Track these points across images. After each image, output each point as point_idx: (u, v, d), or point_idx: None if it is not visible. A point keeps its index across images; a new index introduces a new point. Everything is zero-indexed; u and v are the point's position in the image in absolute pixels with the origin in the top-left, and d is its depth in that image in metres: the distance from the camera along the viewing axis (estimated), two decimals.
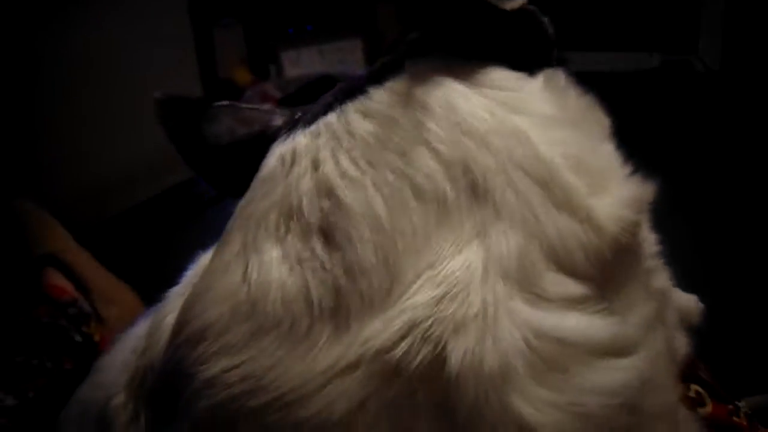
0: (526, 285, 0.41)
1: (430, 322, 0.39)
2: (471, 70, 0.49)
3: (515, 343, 0.39)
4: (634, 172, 0.49)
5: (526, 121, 0.47)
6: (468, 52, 0.51)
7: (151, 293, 0.58)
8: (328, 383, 0.39)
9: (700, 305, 0.81)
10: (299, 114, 0.54)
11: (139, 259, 1.51)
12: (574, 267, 0.43)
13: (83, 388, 0.60)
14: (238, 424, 0.41)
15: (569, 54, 0.56)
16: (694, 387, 0.72)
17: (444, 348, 0.39)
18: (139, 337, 0.55)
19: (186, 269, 0.55)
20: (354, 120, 0.48)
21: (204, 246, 0.55)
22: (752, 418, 0.73)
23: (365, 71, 0.53)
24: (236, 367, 0.41)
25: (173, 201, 1.91)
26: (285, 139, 0.51)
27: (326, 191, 0.45)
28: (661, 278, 0.53)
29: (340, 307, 0.41)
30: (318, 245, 0.44)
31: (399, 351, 0.39)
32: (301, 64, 2.59)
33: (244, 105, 0.62)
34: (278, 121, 0.58)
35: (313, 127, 0.50)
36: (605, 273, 0.44)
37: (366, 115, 0.48)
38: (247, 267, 0.45)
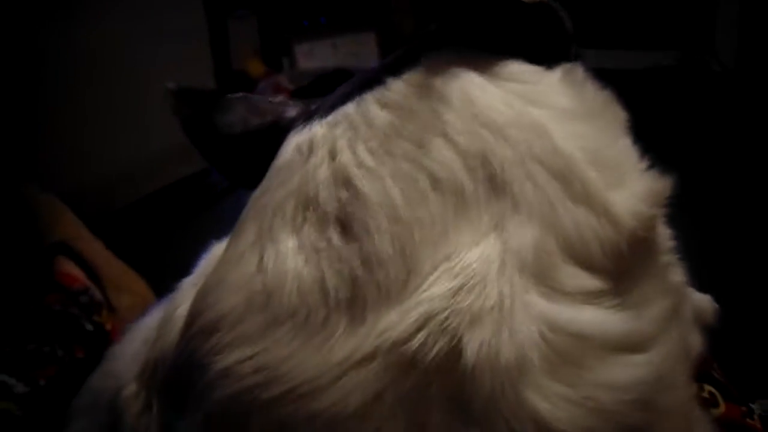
0: (543, 278, 0.41)
1: (446, 313, 0.39)
2: (489, 62, 0.49)
3: (531, 336, 0.39)
4: (651, 167, 0.49)
5: (545, 114, 0.47)
6: (486, 44, 0.50)
7: (163, 284, 0.57)
8: (343, 375, 0.39)
9: (715, 305, 0.81)
10: (314, 106, 0.54)
11: (151, 250, 1.51)
12: (590, 261, 0.43)
13: (94, 377, 0.60)
14: (252, 416, 0.40)
15: (585, 51, 0.55)
16: (708, 387, 0.72)
17: (460, 340, 0.38)
18: (150, 328, 0.54)
19: (198, 259, 0.55)
20: (372, 110, 0.48)
21: (217, 236, 0.54)
22: (766, 420, 0.72)
23: (382, 63, 0.53)
24: (250, 358, 0.41)
25: (186, 192, 1.91)
26: (302, 129, 0.51)
27: (343, 181, 0.45)
28: (677, 274, 0.52)
29: (356, 298, 0.41)
30: (335, 235, 0.43)
31: (415, 343, 0.39)
32: (315, 56, 2.59)
33: (257, 96, 0.62)
34: (291, 112, 0.58)
35: (330, 117, 0.50)
36: (621, 267, 0.44)
37: (384, 105, 0.48)
38: (262, 257, 0.45)
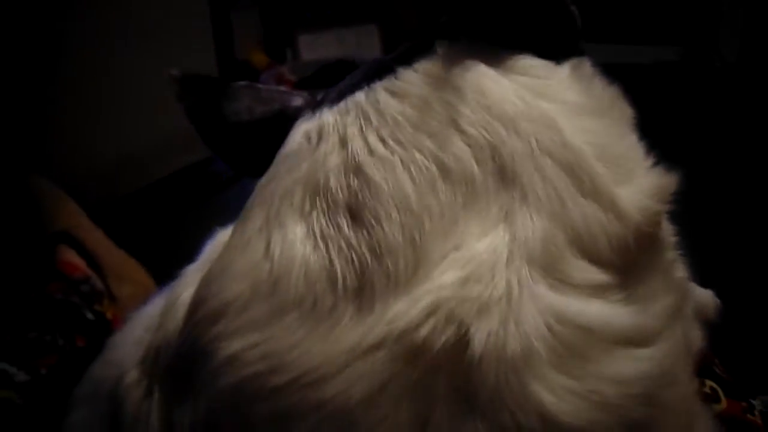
0: (551, 270, 0.41)
1: (454, 303, 0.39)
2: (501, 55, 0.49)
3: (538, 328, 0.39)
4: (657, 163, 0.49)
5: (555, 107, 0.47)
6: (496, 38, 0.51)
7: (166, 273, 0.57)
8: (350, 364, 0.39)
9: (717, 301, 0.81)
10: (321, 95, 0.54)
11: (154, 239, 1.51)
12: (598, 254, 0.43)
13: (95, 366, 0.60)
14: (257, 404, 0.40)
15: (588, 46, 0.55)
16: (709, 383, 0.72)
17: (467, 330, 0.39)
18: (153, 315, 0.54)
19: (203, 246, 0.55)
20: (383, 99, 0.48)
21: (221, 224, 0.54)
22: (767, 416, 0.72)
23: (392, 53, 0.53)
24: (256, 345, 0.41)
25: (189, 180, 1.91)
26: (311, 117, 0.51)
27: (354, 169, 0.45)
28: (680, 270, 0.53)
29: (364, 287, 0.41)
30: (344, 223, 0.43)
31: (423, 332, 0.39)
32: (318, 48, 2.59)
33: (262, 85, 0.62)
34: (298, 101, 0.58)
35: (340, 105, 0.50)
36: (628, 262, 0.44)
37: (395, 94, 0.48)
38: (269, 243, 0.45)
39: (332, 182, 0.45)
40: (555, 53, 0.51)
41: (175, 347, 0.48)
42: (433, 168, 0.44)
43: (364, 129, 0.47)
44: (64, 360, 0.88)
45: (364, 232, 0.42)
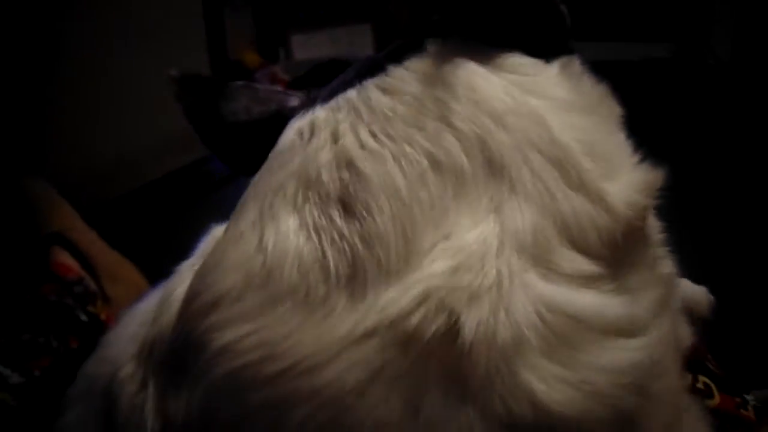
0: (541, 260, 0.42)
1: (444, 291, 0.40)
2: (490, 53, 0.50)
3: (528, 316, 0.40)
4: (644, 159, 0.50)
5: (543, 104, 0.47)
6: (486, 36, 0.51)
7: (160, 273, 0.57)
8: (343, 351, 0.39)
9: (711, 297, 0.81)
10: (315, 94, 0.55)
11: (149, 239, 1.51)
12: (587, 246, 0.43)
13: (89, 364, 0.60)
14: (252, 393, 0.41)
15: (578, 44, 0.56)
16: (702, 378, 0.72)
17: (458, 318, 0.39)
18: (147, 311, 0.54)
19: (198, 242, 0.56)
20: (374, 95, 0.49)
21: (217, 222, 0.54)
22: (760, 411, 0.73)
23: (383, 51, 0.54)
24: (250, 334, 0.41)
25: (184, 180, 1.91)
26: (303, 114, 0.52)
27: (346, 162, 0.46)
28: (667, 265, 0.53)
29: (356, 276, 0.42)
30: (336, 214, 0.44)
31: (414, 319, 0.39)
32: (311, 47, 2.59)
33: (260, 85, 0.63)
34: (294, 102, 0.59)
35: (332, 102, 0.51)
36: (617, 254, 0.44)
37: (386, 91, 0.49)
38: (262, 236, 0.45)
39: (324, 176, 0.46)
40: (544, 52, 0.52)
41: (169, 340, 0.49)
42: (424, 161, 0.44)
43: (355, 124, 0.47)
44: (58, 362, 0.88)
45: (356, 223, 0.43)
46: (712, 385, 0.72)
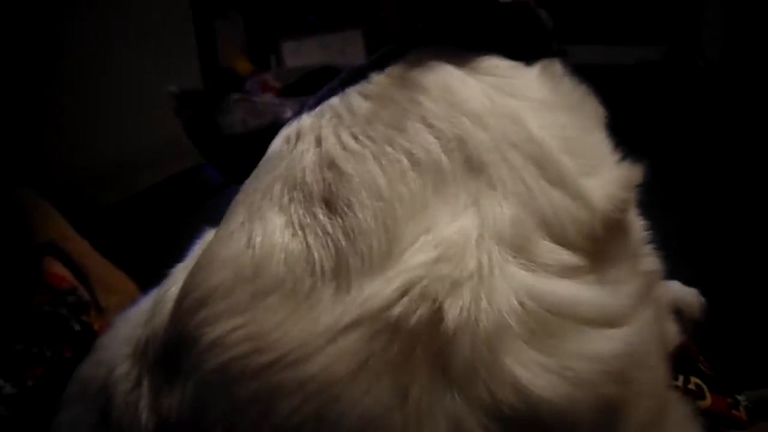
0: (521, 251, 0.43)
1: (426, 281, 0.41)
2: (468, 57, 0.52)
3: (510, 304, 0.41)
4: (624, 158, 0.51)
5: (521, 105, 0.49)
6: (468, 42, 0.53)
7: (154, 281, 0.58)
8: (330, 342, 0.41)
9: (702, 299, 0.81)
10: (304, 102, 0.56)
11: (142, 247, 1.51)
12: (566, 238, 0.45)
13: (83, 367, 0.60)
14: (243, 384, 0.42)
15: (571, 47, 0.57)
16: (694, 380, 0.72)
17: (441, 306, 0.40)
18: (141, 313, 0.55)
19: (192, 246, 0.56)
20: (355, 101, 0.51)
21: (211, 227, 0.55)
22: (752, 411, 0.73)
23: (368, 60, 0.56)
24: (240, 328, 0.43)
25: (178, 188, 1.92)
26: (291, 123, 0.54)
27: (328, 163, 0.48)
28: (650, 262, 0.54)
29: (341, 268, 0.43)
30: (320, 212, 0.46)
31: (398, 309, 0.41)
32: (302, 54, 2.59)
33: (257, 98, 0.65)
34: (289, 113, 0.61)
35: (317, 110, 0.53)
36: (597, 247, 0.46)
37: (367, 96, 0.51)
38: (251, 234, 0.47)
39: (308, 176, 0.48)
40: (524, 55, 0.54)
41: (162, 339, 0.50)
42: (404, 159, 0.46)
43: (337, 128, 0.49)
44: (51, 372, 0.88)
45: (339, 219, 0.45)
46: (704, 386, 0.72)
